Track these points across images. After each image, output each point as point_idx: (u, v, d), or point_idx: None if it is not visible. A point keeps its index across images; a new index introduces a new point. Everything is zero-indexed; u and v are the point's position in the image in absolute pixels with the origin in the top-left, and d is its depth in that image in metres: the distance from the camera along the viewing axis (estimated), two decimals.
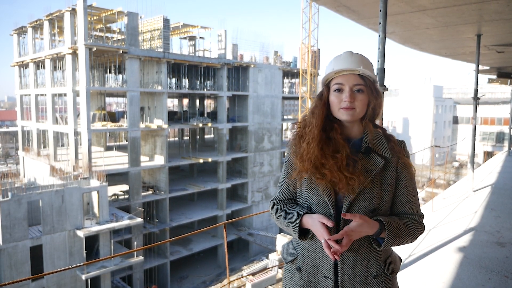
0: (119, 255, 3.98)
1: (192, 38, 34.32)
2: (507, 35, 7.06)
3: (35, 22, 28.81)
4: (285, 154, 1.77)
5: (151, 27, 28.99)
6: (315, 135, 1.57)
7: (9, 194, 18.35)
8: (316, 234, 1.49)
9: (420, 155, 41.71)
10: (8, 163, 52.49)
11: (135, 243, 24.17)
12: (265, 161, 34.55)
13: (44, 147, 30.88)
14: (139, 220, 23.17)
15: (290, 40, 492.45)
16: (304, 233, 1.57)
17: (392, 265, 1.60)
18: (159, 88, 27.53)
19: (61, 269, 3.31)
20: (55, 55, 26.16)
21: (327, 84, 1.62)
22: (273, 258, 23.44)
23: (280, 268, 21.01)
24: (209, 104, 43.84)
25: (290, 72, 38.37)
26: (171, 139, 43.84)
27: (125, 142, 36.17)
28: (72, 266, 3.47)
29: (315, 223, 1.47)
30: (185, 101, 41.87)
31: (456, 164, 46.67)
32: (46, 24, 27.02)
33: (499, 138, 45.69)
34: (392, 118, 51.28)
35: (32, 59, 29.49)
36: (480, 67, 11.93)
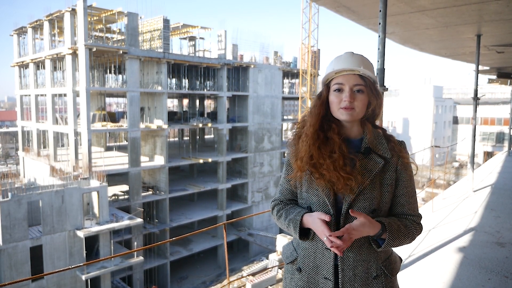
0: (119, 255, 3.98)
1: (192, 38, 34.34)
2: (507, 35, 7.07)
3: (35, 22, 28.82)
4: (285, 154, 1.77)
5: (151, 27, 29.00)
6: (310, 134, 1.58)
7: (9, 194, 18.35)
8: (317, 233, 1.49)
9: (420, 155, 41.69)
10: (8, 164, 52.47)
11: (135, 243, 24.17)
12: (265, 161, 34.56)
13: (44, 147, 30.89)
14: (139, 220, 23.17)
15: (290, 41, 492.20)
16: (305, 234, 1.58)
17: (392, 265, 1.60)
18: (159, 88, 27.53)
19: (61, 269, 3.31)
20: (55, 56, 26.16)
21: (327, 84, 1.63)
22: (273, 258, 23.44)
23: (280, 269, 21.00)
24: (209, 104, 43.84)
25: (290, 73, 38.38)
26: (171, 139, 43.85)
27: (125, 143, 36.17)
28: (72, 267, 3.47)
29: (315, 221, 1.48)
30: (185, 102, 41.88)
31: (456, 164, 46.69)
32: (46, 25, 27.03)
33: (499, 138, 45.69)
34: (392, 118, 51.31)
35: (32, 60, 29.50)
36: (480, 68, 11.94)
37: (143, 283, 24.54)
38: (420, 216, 1.61)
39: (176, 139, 43.90)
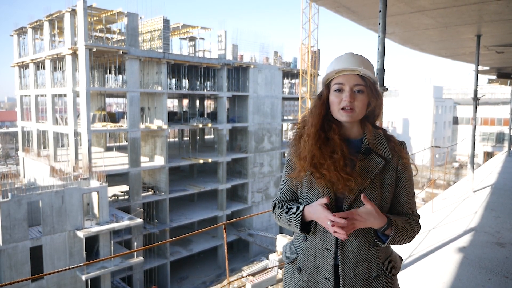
0: (119, 255, 3.98)
1: (192, 38, 34.34)
2: (507, 35, 7.07)
3: (35, 22, 28.82)
4: (286, 154, 1.77)
5: (151, 27, 29.00)
6: (312, 134, 1.58)
7: (9, 194, 18.35)
8: (320, 220, 1.47)
9: (420, 155, 41.69)
10: (8, 164, 52.48)
11: (135, 243, 24.17)
12: (265, 161, 34.56)
13: (44, 147, 30.88)
14: (139, 220, 23.17)
15: (290, 41, 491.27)
16: (306, 229, 1.57)
17: (393, 265, 1.60)
18: (159, 88, 27.54)
19: (61, 269, 3.31)
20: (55, 56, 26.17)
21: (327, 84, 1.63)
22: (273, 258, 23.43)
23: (280, 269, 21.01)
24: (209, 104, 43.84)
25: (290, 73, 38.39)
26: (171, 139, 43.86)
27: (125, 143, 36.17)
28: (72, 267, 3.47)
29: (316, 208, 1.48)
30: (185, 102, 41.89)
31: (456, 164, 46.70)
32: (46, 25, 27.04)
33: (499, 138, 45.69)
34: (392, 119, 51.31)
35: (32, 60, 29.50)
36: (480, 68, 11.95)
37: (143, 283, 24.54)
38: (419, 216, 1.62)
39: (176, 139, 43.90)
